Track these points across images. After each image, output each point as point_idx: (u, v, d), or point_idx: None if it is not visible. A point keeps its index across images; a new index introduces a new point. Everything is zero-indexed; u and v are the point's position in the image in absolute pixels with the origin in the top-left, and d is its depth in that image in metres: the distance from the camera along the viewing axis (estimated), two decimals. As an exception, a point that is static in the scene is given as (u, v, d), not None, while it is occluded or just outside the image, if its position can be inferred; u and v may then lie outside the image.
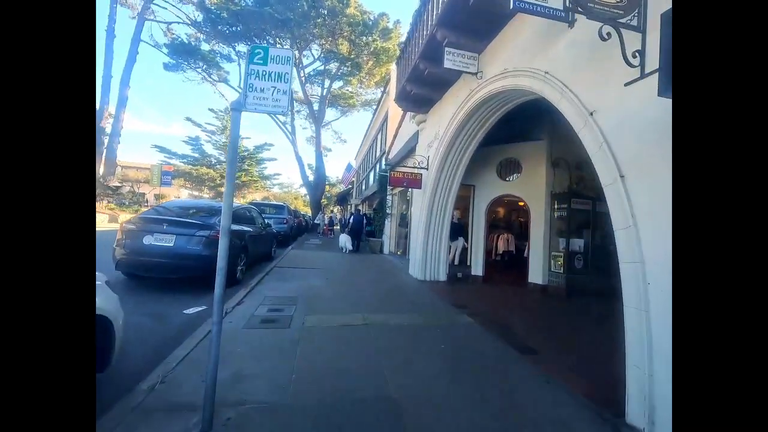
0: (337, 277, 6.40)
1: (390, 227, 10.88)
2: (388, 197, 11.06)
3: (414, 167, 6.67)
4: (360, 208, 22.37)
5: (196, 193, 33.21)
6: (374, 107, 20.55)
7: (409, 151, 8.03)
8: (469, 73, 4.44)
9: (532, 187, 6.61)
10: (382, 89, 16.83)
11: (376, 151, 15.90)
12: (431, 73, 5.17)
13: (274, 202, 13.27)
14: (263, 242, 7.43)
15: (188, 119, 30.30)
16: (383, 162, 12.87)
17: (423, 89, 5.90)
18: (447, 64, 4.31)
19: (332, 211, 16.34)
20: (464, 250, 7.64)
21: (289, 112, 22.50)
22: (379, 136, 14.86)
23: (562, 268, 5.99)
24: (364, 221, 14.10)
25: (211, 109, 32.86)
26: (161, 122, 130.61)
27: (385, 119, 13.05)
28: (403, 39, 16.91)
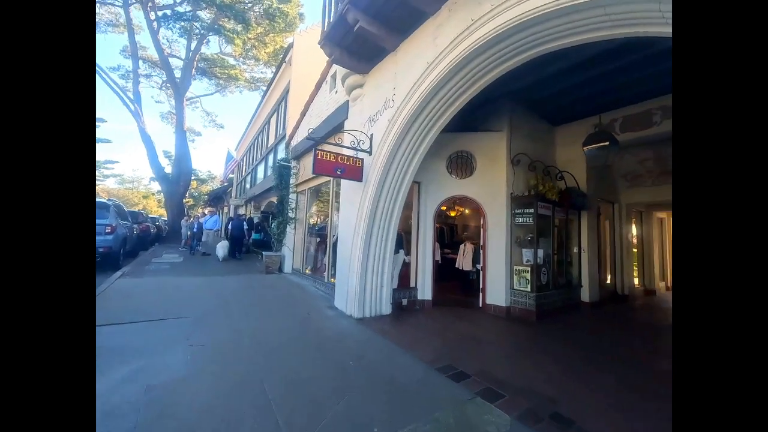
0: (215, 337, 3.44)
1: (294, 237, 8.09)
2: (291, 196, 8.25)
3: (349, 148, 4.42)
4: (243, 211, 17.84)
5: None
6: (264, 89, 16.83)
7: (334, 129, 5.69)
8: (482, -17, 2.64)
9: (488, 188, 5.46)
10: (276, 68, 13.64)
11: (268, 138, 12.48)
12: (402, -11, 3.13)
13: None
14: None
15: None
16: (281, 150, 9.85)
17: (376, 24, 3.77)
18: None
19: (204, 213, 11.68)
20: (405, 266, 5.87)
21: (131, 74, 15.91)
22: (275, 118, 11.62)
23: (529, 286, 4.99)
24: (245, 227, 11.05)
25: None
26: None
27: (285, 94, 10.08)
28: (302, 9, 14.15)
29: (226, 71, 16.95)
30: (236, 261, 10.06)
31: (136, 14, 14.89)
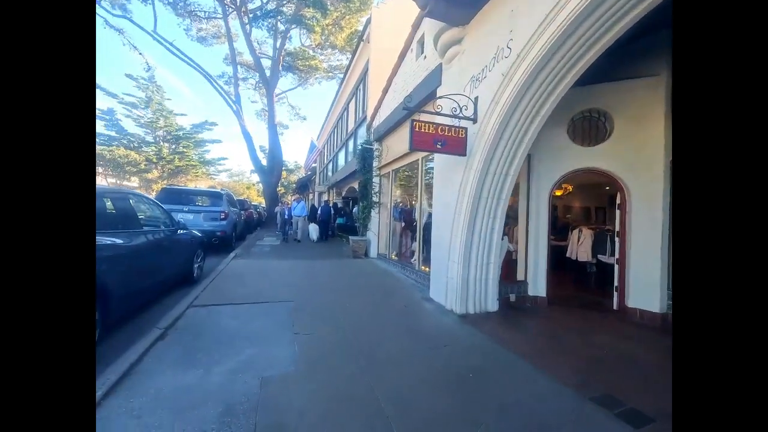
0: (318, 326, 3.32)
1: (378, 221, 7.91)
2: (375, 179, 8.02)
3: (448, 116, 3.72)
4: (325, 197, 18.94)
5: (112, 180, 26.61)
6: (341, 77, 17.07)
7: (424, 99, 5.05)
8: None
9: (632, 156, 4.10)
10: (351, 55, 13.49)
11: (348, 124, 12.59)
12: None
13: (203, 189, 9.31)
14: (168, 259, 4.01)
15: (98, 86, 23.60)
16: (362, 135, 9.71)
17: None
18: None
19: (298, 198, 12.47)
20: (507, 254, 5.00)
21: (232, 79, 17.96)
22: (353, 102, 11.56)
23: (702, 288, 3.60)
24: (332, 212, 12.33)
25: (129, 76, 26.03)
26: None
27: (364, 74, 9.80)
28: (377, -15, 13.49)
29: (308, 62, 17.73)
30: (324, 243, 10.64)
31: (233, 23, 16.60)
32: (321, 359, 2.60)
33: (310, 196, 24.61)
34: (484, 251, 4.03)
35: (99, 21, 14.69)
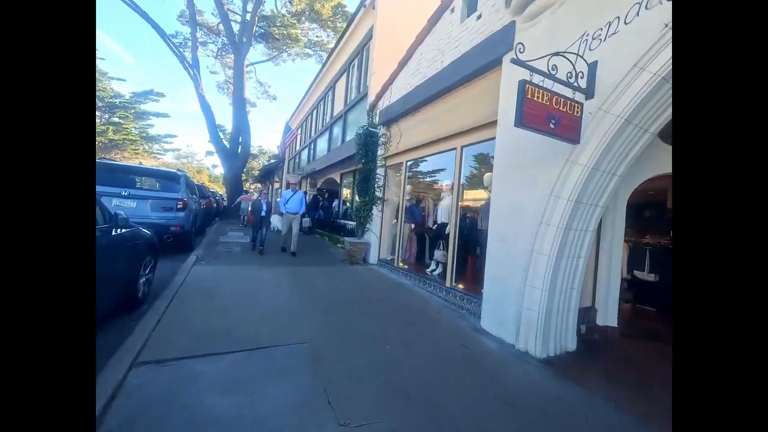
0: (366, 399, 2.01)
1: (382, 221, 6.63)
2: (379, 170, 6.71)
3: (562, 82, 2.60)
4: (297, 188, 16.97)
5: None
6: (321, 55, 15.29)
7: (483, 67, 3.88)
8: None
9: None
10: (347, 23, 11.89)
11: (333, 106, 10.99)
12: None
13: (152, 167, 6.98)
14: (98, 279, 2.36)
15: None
16: (354, 119, 8.28)
17: None
18: None
19: (294, 187, 7.45)
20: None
21: (188, 41, 15.16)
22: (343, 81, 9.98)
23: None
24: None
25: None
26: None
27: (364, 46, 8.33)
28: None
29: (286, 30, 15.48)
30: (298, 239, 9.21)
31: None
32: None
33: (275, 184, 22.21)
34: (569, 274, 3.04)
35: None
